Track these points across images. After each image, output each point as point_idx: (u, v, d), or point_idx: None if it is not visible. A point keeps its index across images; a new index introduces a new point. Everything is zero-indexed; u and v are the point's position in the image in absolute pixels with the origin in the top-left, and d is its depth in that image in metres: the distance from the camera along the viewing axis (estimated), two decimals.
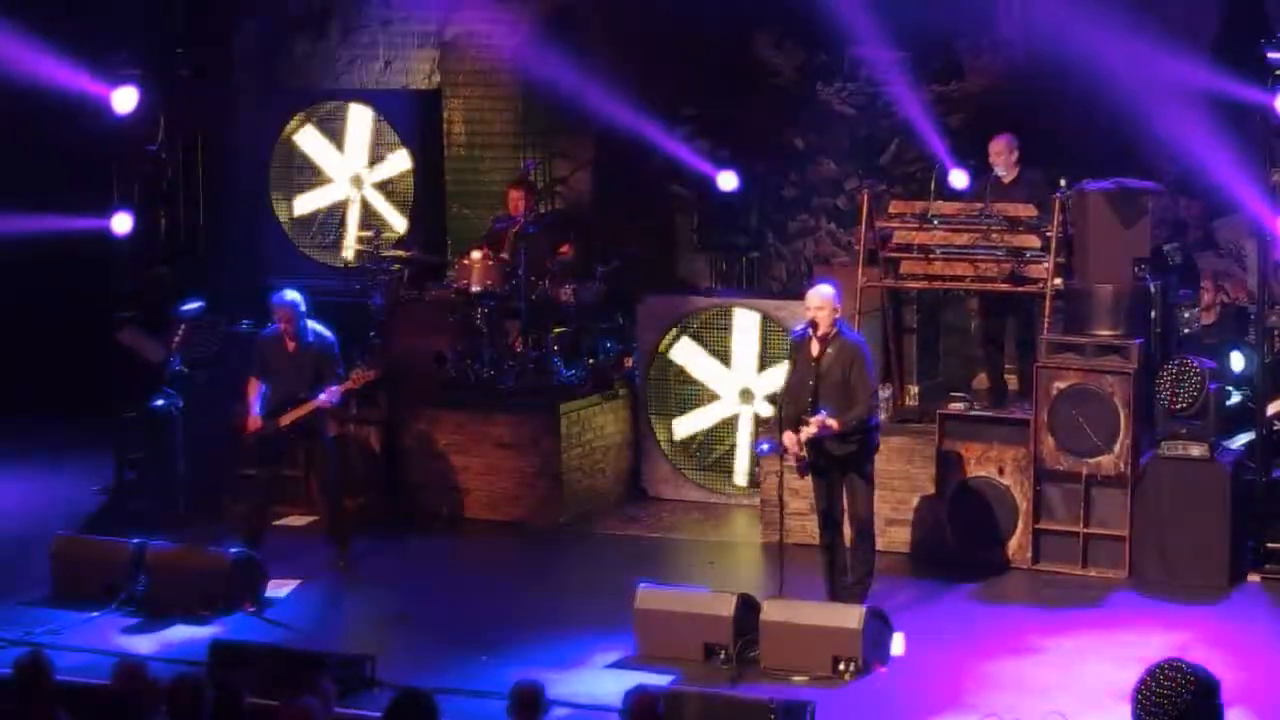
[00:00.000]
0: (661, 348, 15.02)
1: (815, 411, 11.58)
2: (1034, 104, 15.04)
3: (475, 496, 14.74)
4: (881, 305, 14.08)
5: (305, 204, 17.22)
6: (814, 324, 11.76)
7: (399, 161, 16.86)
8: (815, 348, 11.79)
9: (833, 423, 11.55)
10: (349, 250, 16.70)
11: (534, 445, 14.60)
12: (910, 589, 12.74)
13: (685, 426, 15.10)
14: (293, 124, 17.10)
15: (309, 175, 17.19)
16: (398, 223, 16.78)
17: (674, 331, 15.00)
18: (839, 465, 11.80)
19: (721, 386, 14.92)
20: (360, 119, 16.98)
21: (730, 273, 16.33)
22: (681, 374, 15.05)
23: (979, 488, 13.34)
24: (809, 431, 11.55)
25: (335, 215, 17.14)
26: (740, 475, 14.94)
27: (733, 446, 14.97)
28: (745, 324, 14.77)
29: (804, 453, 11.63)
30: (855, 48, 15.89)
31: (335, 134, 17.07)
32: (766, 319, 14.65)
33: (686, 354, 14.98)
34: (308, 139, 17.12)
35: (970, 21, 15.62)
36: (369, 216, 16.88)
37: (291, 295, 13.10)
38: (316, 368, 13.01)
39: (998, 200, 13.69)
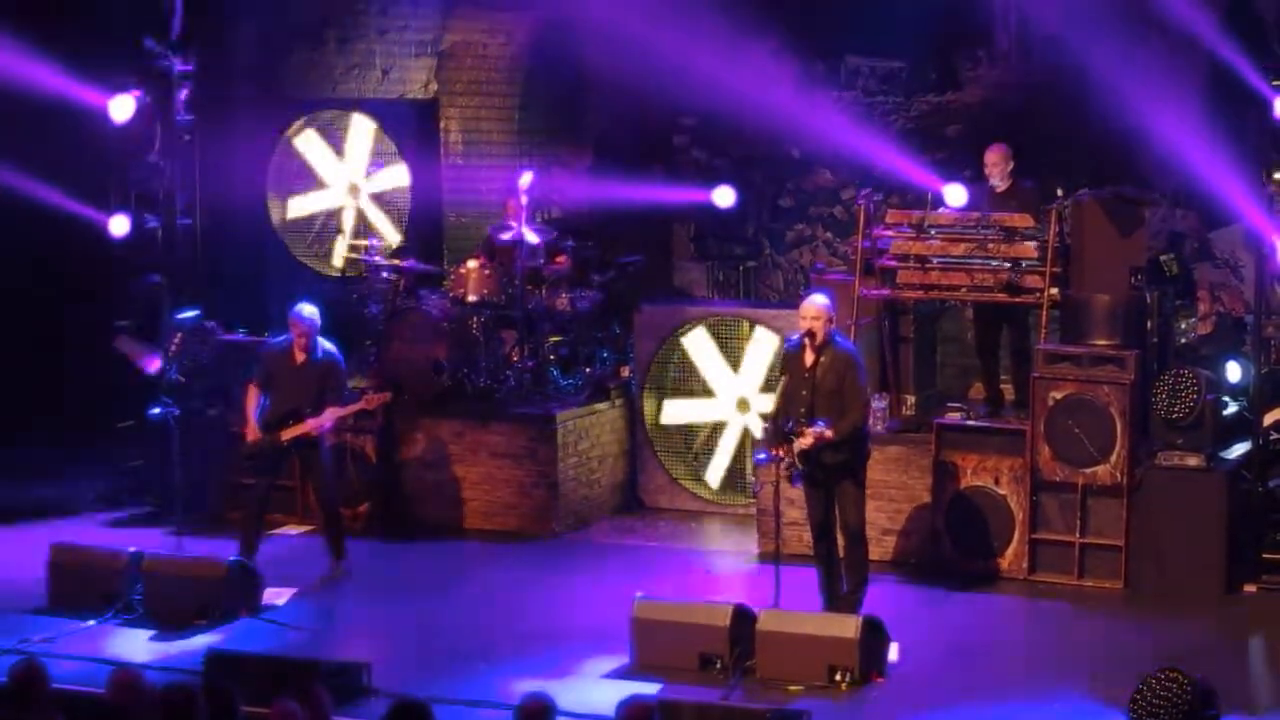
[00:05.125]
0: (677, 332, 15.02)
1: (811, 422, 11.58)
2: (1030, 114, 15.06)
3: (472, 506, 14.74)
4: (878, 315, 14.08)
5: (299, 207, 17.18)
6: (810, 334, 11.76)
7: (397, 175, 16.85)
8: (810, 358, 11.79)
9: (828, 433, 11.55)
10: (339, 258, 16.69)
11: (531, 455, 14.59)
12: (906, 598, 12.73)
13: (674, 412, 15.09)
14: (294, 126, 17.09)
15: (305, 179, 17.18)
16: (392, 235, 16.77)
17: (694, 322, 15.00)
18: (832, 474, 11.80)
19: (721, 387, 14.92)
20: (362, 129, 16.98)
21: (727, 282, 16.35)
22: (685, 361, 15.03)
23: (975, 498, 13.34)
24: (805, 443, 11.54)
25: (329, 221, 17.11)
26: (714, 479, 14.96)
27: (728, 455, 15.00)
28: (763, 341, 14.73)
29: (798, 463, 11.61)
30: (852, 58, 15.91)
31: (336, 140, 17.06)
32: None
33: (699, 344, 14.97)
34: (307, 143, 17.11)
35: (967, 32, 15.66)
36: (364, 226, 16.88)
37: (311, 310, 13.07)
38: (321, 385, 13.00)
39: (992, 210, 13.71)
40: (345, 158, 17.03)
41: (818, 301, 11.86)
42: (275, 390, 13.06)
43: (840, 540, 12.00)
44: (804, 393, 11.71)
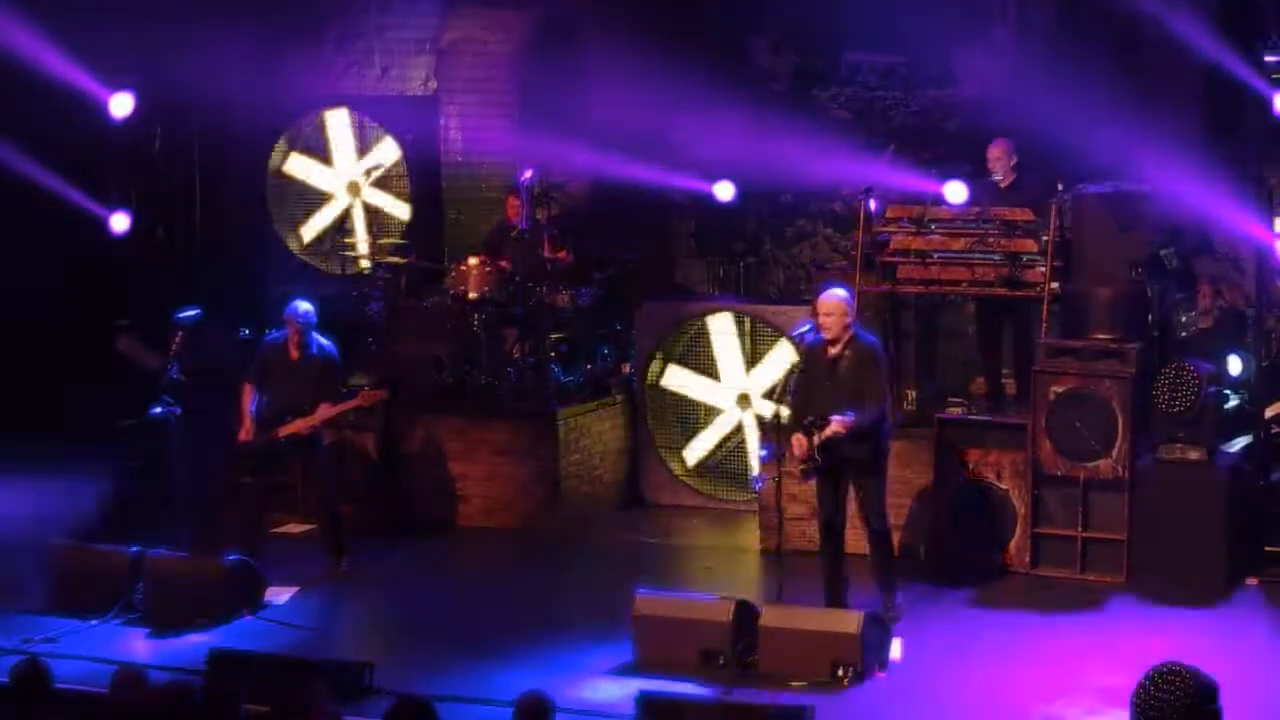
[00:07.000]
0: (703, 313, 15.07)
1: (827, 421, 11.47)
2: (1030, 109, 15.03)
3: (473, 503, 14.74)
4: (879, 310, 14.07)
5: (312, 229, 17.20)
6: (825, 329, 11.68)
7: (388, 152, 16.86)
8: (833, 351, 11.71)
9: (850, 422, 11.45)
10: (364, 260, 16.58)
11: (532, 452, 14.60)
12: (908, 593, 12.71)
13: (676, 379, 15.08)
14: (276, 155, 17.09)
15: (307, 200, 17.19)
16: (402, 212, 16.79)
17: (723, 309, 15.04)
18: (851, 469, 11.73)
19: (728, 376, 14.93)
20: (337, 123, 16.99)
21: (728, 278, 16.33)
22: (704, 339, 15.04)
23: (977, 492, 13.34)
24: (831, 430, 11.42)
25: (343, 228, 17.08)
26: (692, 458, 14.97)
27: (732, 450, 14.99)
28: (783, 350, 14.59)
29: (817, 457, 11.53)
30: (851, 52, 15.90)
31: (319, 149, 17.05)
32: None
33: (722, 330, 14.98)
34: (295, 166, 17.12)
35: (966, 26, 15.64)
36: (373, 217, 16.87)
37: (304, 306, 13.12)
38: (316, 381, 13.00)
39: (995, 205, 13.70)
40: (334, 161, 17.01)
41: (837, 294, 11.80)
42: (271, 387, 13.06)
43: (866, 537, 11.93)
44: (826, 385, 11.64)
